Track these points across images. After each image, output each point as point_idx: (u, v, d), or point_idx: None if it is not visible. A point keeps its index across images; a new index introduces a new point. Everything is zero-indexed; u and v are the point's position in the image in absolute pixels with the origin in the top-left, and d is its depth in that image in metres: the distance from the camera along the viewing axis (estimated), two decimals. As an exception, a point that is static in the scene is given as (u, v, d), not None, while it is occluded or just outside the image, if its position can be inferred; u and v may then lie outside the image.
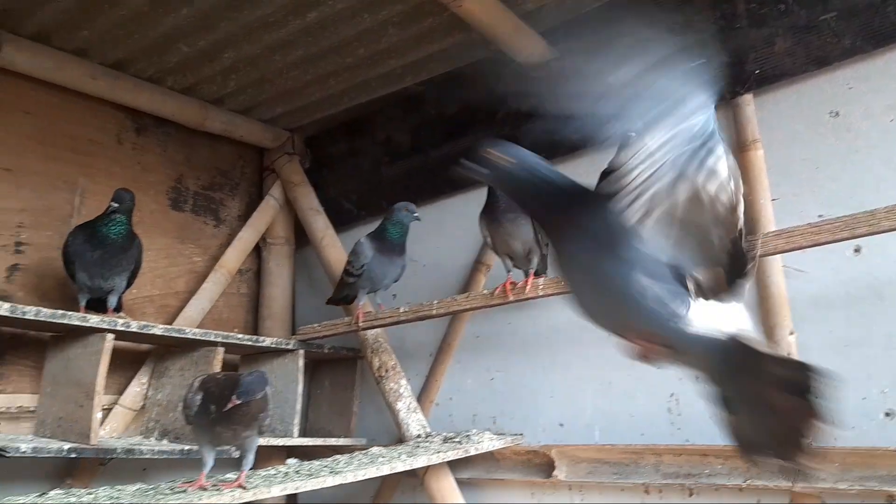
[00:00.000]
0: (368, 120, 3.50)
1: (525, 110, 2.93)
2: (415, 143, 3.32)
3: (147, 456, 2.52)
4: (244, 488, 1.83)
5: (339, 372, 3.33)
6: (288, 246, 3.60)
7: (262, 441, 2.50)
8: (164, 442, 2.70)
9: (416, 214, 2.73)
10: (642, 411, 2.48)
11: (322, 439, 3.06)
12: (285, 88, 3.16)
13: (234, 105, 3.33)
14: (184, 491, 1.79)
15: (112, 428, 2.85)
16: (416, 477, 2.83)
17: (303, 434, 3.14)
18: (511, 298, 2.36)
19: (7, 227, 2.71)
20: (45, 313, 2.25)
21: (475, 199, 3.03)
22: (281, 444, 2.85)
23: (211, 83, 3.11)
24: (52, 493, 1.66)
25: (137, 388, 2.94)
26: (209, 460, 1.92)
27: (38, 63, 2.73)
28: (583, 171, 2.67)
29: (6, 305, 2.18)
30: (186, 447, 2.59)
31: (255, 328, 3.52)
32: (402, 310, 2.66)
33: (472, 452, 2.55)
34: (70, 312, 2.35)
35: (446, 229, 3.15)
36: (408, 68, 3.01)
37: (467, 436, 2.67)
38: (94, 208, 2.77)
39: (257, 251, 3.58)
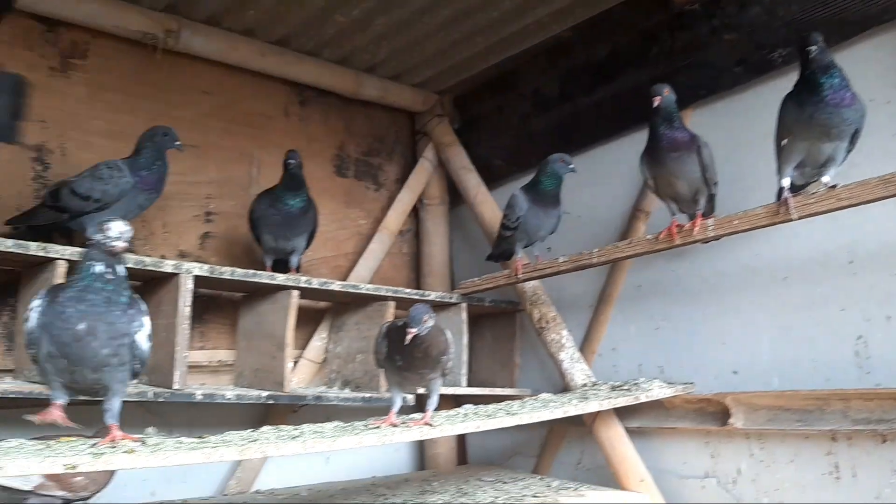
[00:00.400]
0: (515, 74, 3.49)
1: (680, 47, 2.81)
2: (563, 92, 3.27)
3: (334, 402, 2.73)
4: (431, 426, 1.95)
5: (499, 325, 3.41)
6: (443, 205, 3.71)
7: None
8: (346, 391, 2.91)
9: (571, 166, 2.71)
10: (826, 356, 2.33)
11: (488, 389, 3.16)
12: (433, 51, 3.23)
13: (386, 72, 3.45)
14: (377, 427, 1.93)
15: (299, 379, 3.10)
16: (583, 426, 2.86)
17: (468, 385, 3.26)
18: (678, 242, 2.28)
19: (197, 198, 3.01)
20: (239, 273, 2.49)
21: (629, 145, 2.96)
22: (451, 392, 2.97)
23: (364, 52, 3.24)
24: (263, 427, 1.85)
25: (318, 342, 3.18)
26: (398, 401, 2.06)
27: (212, 45, 2.97)
28: (747, 107, 2.58)
29: (205, 266, 2.43)
30: (367, 395, 2.78)
31: (417, 286, 3.68)
32: (560, 260, 2.66)
33: (643, 399, 2.53)
34: (259, 272, 2.58)
35: (599, 178, 3.10)
36: (554, 16, 2.96)
37: (636, 384, 2.65)
38: (268, 178, 3.00)
39: (415, 212, 3.71)
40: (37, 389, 2.07)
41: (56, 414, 1.62)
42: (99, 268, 1.61)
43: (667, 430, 2.72)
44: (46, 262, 2.17)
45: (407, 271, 3.72)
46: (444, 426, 1.96)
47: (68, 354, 1.56)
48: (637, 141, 2.90)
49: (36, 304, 1.60)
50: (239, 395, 2.52)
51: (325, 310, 3.21)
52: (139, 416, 2.60)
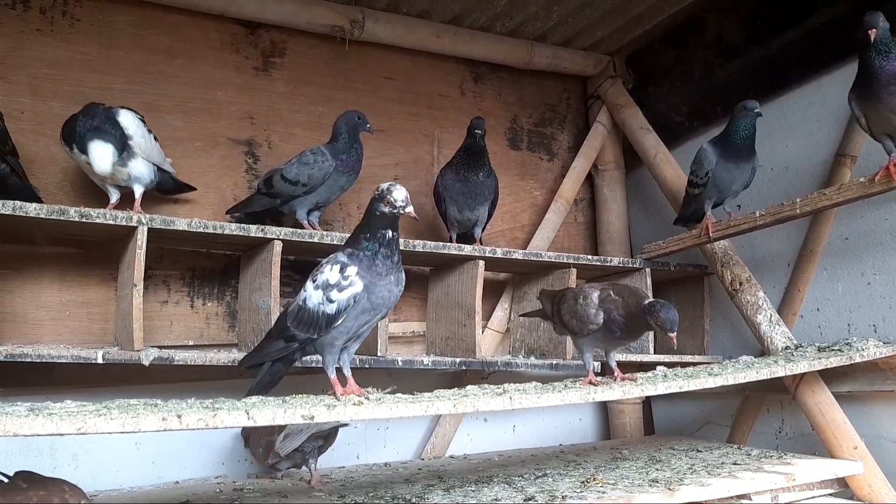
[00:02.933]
0: (693, 23, 3.32)
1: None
2: (750, 35, 3.06)
3: (522, 369, 2.81)
4: (633, 381, 1.95)
5: (684, 290, 3.30)
6: (619, 170, 3.64)
7: (620, 357, 2.60)
8: (532, 359, 2.97)
9: (756, 111, 2.55)
10: None
11: (677, 356, 3.07)
12: (604, 10, 3.17)
13: (556, 38, 3.44)
14: (574, 385, 1.96)
15: (485, 348, 3.20)
16: (785, 393, 2.71)
17: (655, 353, 3.19)
18: (899, 183, 2.08)
19: (387, 179, 3.17)
20: (430, 245, 2.62)
21: (829, 85, 2.74)
22: (638, 360, 2.93)
23: (534, 20, 3.25)
24: (469, 387, 1.95)
25: (501, 312, 3.27)
26: (592, 363, 2.09)
27: (392, 30, 3.12)
28: None
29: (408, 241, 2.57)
30: (554, 362, 2.82)
31: (594, 254, 3.63)
32: (758, 214, 2.52)
33: (857, 360, 2.35)
34: (447, 244, 2.70)
35: (795, 125, 2.89)
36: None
37: (848, 343, 2.46)
38: (448, 155, 3.11)
39: (589, 179, 3.67)
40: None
41: (356, 388, 1.78)
42: (389, 234, 1.73)
43: (883, 393, 2.51)
44: (265, 243, 2.41)
45: (582, 240, 3.70)
46: (646, 385, 1.95)
47: (377, 312, 1.74)
48: (836, 80, 2.71)
49: (352, 270, 1.71)
50: (434, 362, 2.66)
51: (506, 281, 3.29)
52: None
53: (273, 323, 2.09)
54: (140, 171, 2.35)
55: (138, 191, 2.37)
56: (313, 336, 1.74)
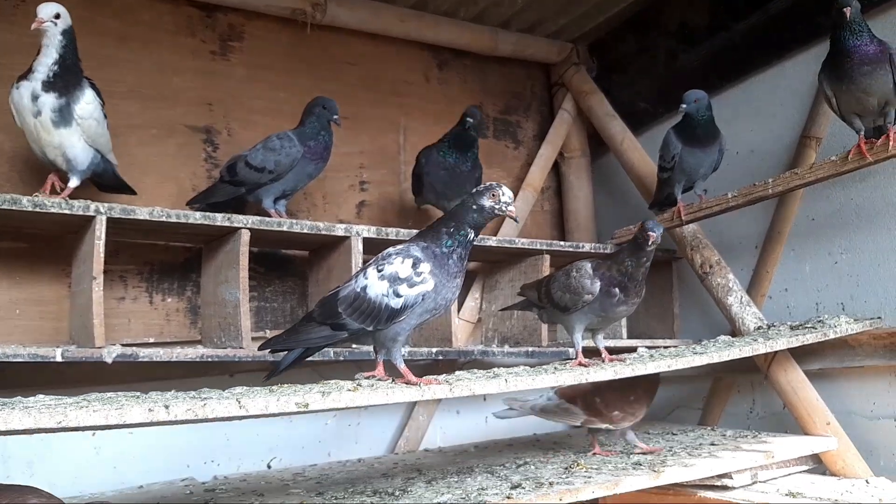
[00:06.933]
0: (656, 10, 3.34)
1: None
2: (714, 21, 3.10)
3: (498, 358, 2.76)
4: (623, 362, 1.92)
5: (653, 275, 3.24)
6: (584, 158, 3.63)
7: (590, 343, 2.60)
8: (506, 347, 2.92)
9: (683, 105, 2.58)
10: None
11: (649, 341, 3.07)
12: (569, -4, 3.16)
13: (521, 24, 3.41)
14: (565, 367, 1.92)
15: (457, 339, 3.15)
16: (756, 373, 2.75)
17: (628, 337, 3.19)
18: (870, 159, 2.11)
19: (352, 168, 3.10)
20: (403, 233, 2.53)
21: (793, 68, 2.79)
22: (611, 344, 2.89)
23: (499, 5, 3.22)
24: (457, 372, 1.89)
25: (472, 302, 3.21)
26: (581, 343, 2.06)
27: (355, 14, 3.04)
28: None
29: (372, 228, 2.49)
30: (529, 349, 2.78)
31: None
32: (730, 195, 2.54)
33: (831, 336, 2.38)
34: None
35: (760, 109, 2.93)
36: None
37: (820, 321, 2.49)
38: (415, 144, 3.05)
39: (554, 168, 3.65)
40: (231, 353, 2.21)
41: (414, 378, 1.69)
42: (471, 235, 1.67)
43: (853, 370, 2.57)
44: (231, 233, 2.30)
45: (549, 229, 3.68)
46: (636, 364, 1.93)
47: (437, 313, 1.69)
48: (800, 63, 2.76)
49: (425, 267, 1.63)
50: (410, 352, 2.58)
51: (476, 270, 3.24)
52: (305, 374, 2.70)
53: (290, 318, 1.99)
54: (75, 151, 2.16)
55: (74, 180, 2.19)
56: (368, 328, 1.65)
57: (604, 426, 2.40)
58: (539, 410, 2.54)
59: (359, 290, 1.66)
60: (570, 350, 2.66)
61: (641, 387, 2.39)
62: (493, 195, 1.65)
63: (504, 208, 1.66)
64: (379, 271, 1.65)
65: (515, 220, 1.77)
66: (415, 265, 1.63)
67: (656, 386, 2.47)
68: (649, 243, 1.98)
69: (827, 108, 2.58)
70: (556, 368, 1.91)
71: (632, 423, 2.41)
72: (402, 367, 1.69)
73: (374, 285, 1.63)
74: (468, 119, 2.73)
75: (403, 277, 1.62)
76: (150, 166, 2.61)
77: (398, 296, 1.61)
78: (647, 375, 2.30)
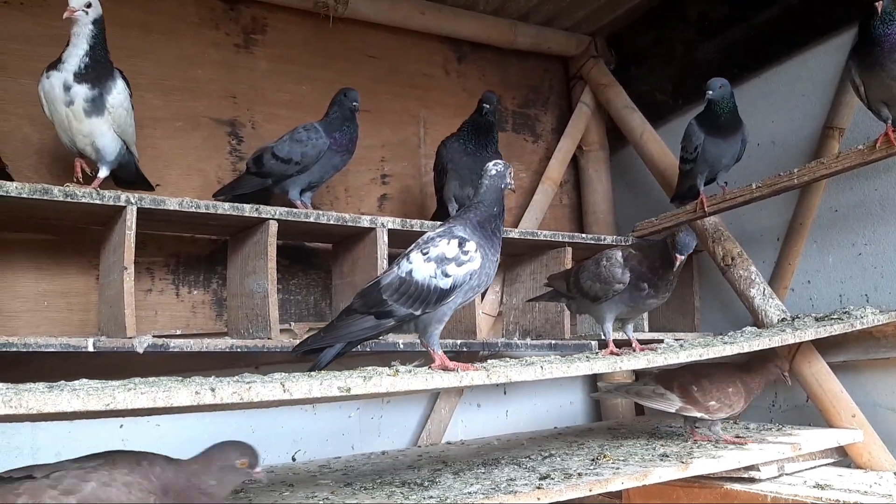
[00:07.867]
0: (674, 1, 3.33)
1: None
2: (733, 12, 3.08)
3: (521, 350, 2.75)
4: (655, 351, 1.92)
5: (674, 268, 3.30)
6: (603, 151, 3.63)
7: (616, 335, 2.60)
8: (528, 340, 2.92)
9: (709, 92, 2.55)
10: None
11: (670, 334, 3.06)
12: (586, -12, 3.16)
13: (539, 17, 3.41)
14: (596, 356, 1.92)
15: (481, 331, 3.14)
16: (780, 364, 2.74)
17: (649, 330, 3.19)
18: (900, 148, 2.11)
19: (374, 161, 3.10)
20: (428, 224, 2.53)
21: (814, 59, 2.78)
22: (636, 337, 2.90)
23: (518, -1, 3.22)
24: (491, 360, 1.89)
25: (493, 296, 3.21)
26: (612, 333, 2.06)
27: (376, 7, 3.04)
28: None
29: (397, 220, 2.49)
30: (552, 341, 2.78)
31: (581, 235, 3.62)
32: (754, 186, 2.53)
33: (858, 327, 2.37)
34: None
35: (781, 100, 2.92)
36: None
37: (846, 312, 2.48)
38: (435, 137, 3.04)
39: (573, 161, 3.65)
40: (260, 343, 2.21)
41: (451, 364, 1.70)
42: (496, 209, 1.75)
43: (877, 361, 2.55)
44: (259, 224, 2.30)
45: (567, 222, 3.68)
46: (668, 354, 1.92)
47: (480, 289, 1.75)
48: (821, 54, 2.75)
49: (471, 245, 1.68)
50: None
51: (497, 263, 3.23)
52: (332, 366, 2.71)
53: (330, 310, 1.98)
54: (105, 141, 2.16)
55: (104, 171, 2.19)
56: (416, 312, 1.67)
57: (699, 415, 2.36)
58: (635, 393, 2.51)
59: (403, 275, 1.67)
60: (593, 343, 2.67)
61: (741, 379, 2.36)
62: (510, 173, 1.77)
63: (512, 183, 1.79)
64: (424, 254, 1.67)
65: (513, 190, 1.84)
66: (461, 244, 1.67)
67: (762, 383, 2.42)
68: (675, 265, 1.99)
69: (850, 98, 2.59)
70: (587, 357, 1.91)
71: (728, 414, 2.36)
72: (439, 352, 1.70)
73: (421, 268, 1.65)
74: (485, 105, 2.73)
75: (451, 257, 1.65)
76: (175, 159, 2.61)
77: (447, 276, 1.64)
78: (751, 369, 2.34)
